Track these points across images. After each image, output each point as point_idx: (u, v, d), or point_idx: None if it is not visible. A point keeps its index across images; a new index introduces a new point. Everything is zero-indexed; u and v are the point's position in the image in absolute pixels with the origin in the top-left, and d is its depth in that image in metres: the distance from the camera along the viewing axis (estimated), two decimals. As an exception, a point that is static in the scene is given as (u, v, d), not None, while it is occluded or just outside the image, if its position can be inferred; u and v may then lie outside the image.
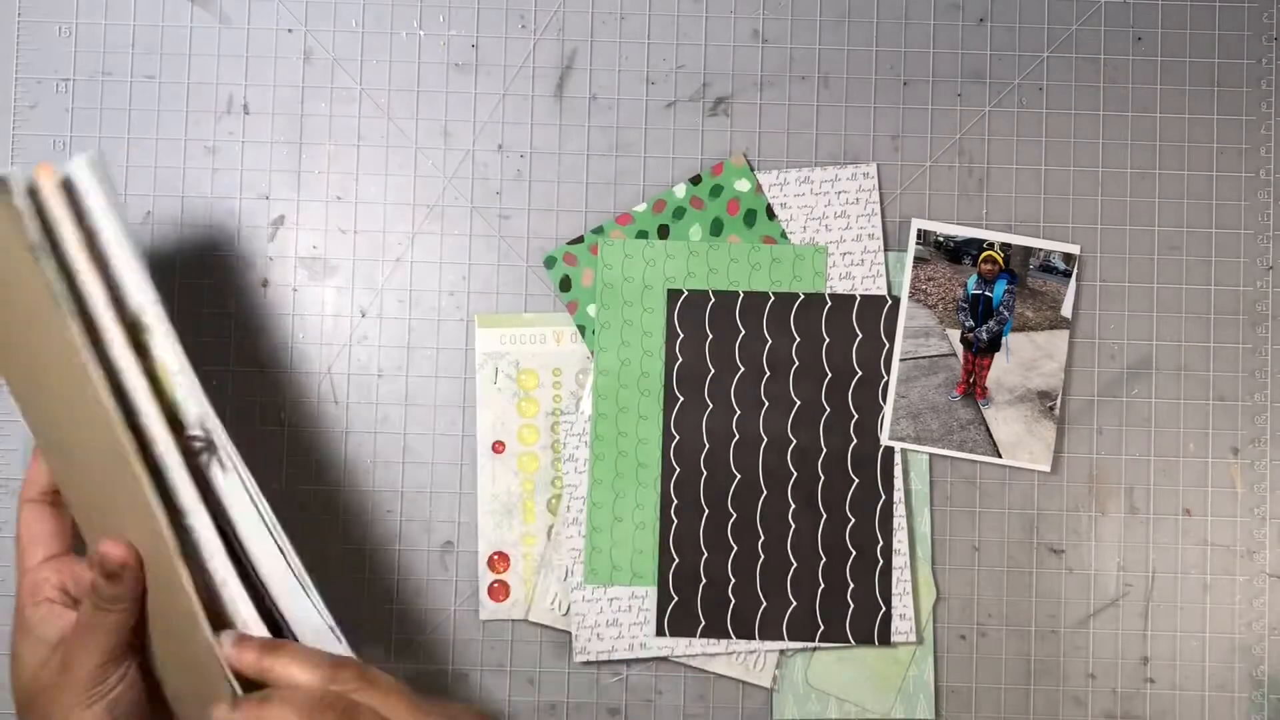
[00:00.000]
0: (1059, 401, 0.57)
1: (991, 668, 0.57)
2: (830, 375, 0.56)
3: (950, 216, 0.58)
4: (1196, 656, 0.57)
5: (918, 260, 0.58)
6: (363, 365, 0.58)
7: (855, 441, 0.56)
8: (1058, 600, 0.58)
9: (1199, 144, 0.59)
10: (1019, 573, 0.58)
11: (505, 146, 0.59)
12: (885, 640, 0.55)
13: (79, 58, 0.59)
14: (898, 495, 0.56)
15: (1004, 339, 0.57)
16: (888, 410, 0.57)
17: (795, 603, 0.55)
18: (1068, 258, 0.58)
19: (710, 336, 0.56)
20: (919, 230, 0.58)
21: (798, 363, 0.56)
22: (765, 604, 0.55)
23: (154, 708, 0.46)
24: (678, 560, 0.55)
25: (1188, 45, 0.59)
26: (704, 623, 0.55)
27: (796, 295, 0.57)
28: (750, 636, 0.55)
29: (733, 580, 0.55)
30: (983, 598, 0.58)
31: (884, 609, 0.55)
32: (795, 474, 0.56)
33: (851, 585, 0.55)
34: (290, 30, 0.59)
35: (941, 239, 0.58)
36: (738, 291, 0.56)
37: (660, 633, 0.55)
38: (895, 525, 0.56)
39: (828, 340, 0.56)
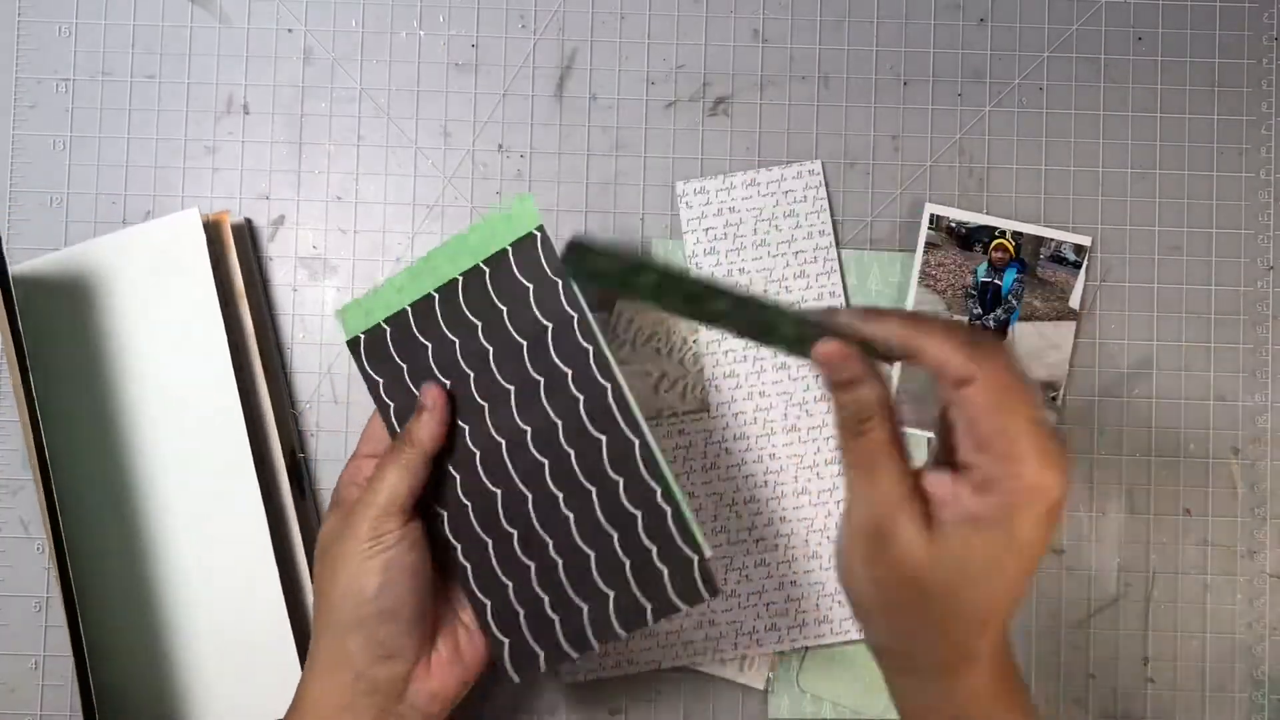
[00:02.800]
0: (1062, 393, 0.57)
1: (991, 668, 0.57)
2: (525, 342, 0.48)
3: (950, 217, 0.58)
4: (1196, 656, 0.57)
5: (928, 246, 0.57)
6: (363, 365, 0.58)
7: (581, 397, 0.47)
8: (1058, 600, 0.58)
9: (1199, 144, 0.59)
10: (1019, 573, 0.58)
11: (505, 146, 0.59)
12: (714, 590, 0.44)
13: (79, 58, 0.59)
14: (647, 434, 0.45)
15: (1011, 327, 0.57)
16: (891, 394, 0.56)
17: (612, 592, 0.46)
18: (1078, 249, 0.58)
19: (405, 366, 0.50)
20: (931, 215, 0.58)
21: (492, 349, 0.49)
22: (586, 606, 0.47)
23: (437, 591, 0.49)
24: (489, 603, 0.49)
25: (1188, 45, 0.59)
26: (542, 653, 0.47)
27: (481, 270, 0.49)
28: (588, 648, 0.47)
29: (545, 598, 0.47)
30: (983, 598, 0.57)
31: (695, 557, 0.44)
32: (544, 461, 0.48)
33: (654, 548, 0.45)
34: (290, 30, 0.59)
35: (953, 225, 0.58)
36: (430, 294, 0.50)
37: (509, 678, 0.48)
38: (660, 462, 0.45)
39: (506, 309, 0.48)
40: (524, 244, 0.48)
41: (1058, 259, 0.58)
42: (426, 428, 0.48)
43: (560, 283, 0.47)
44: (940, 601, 0.39)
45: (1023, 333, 0.57)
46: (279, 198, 0.58)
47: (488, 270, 0.49)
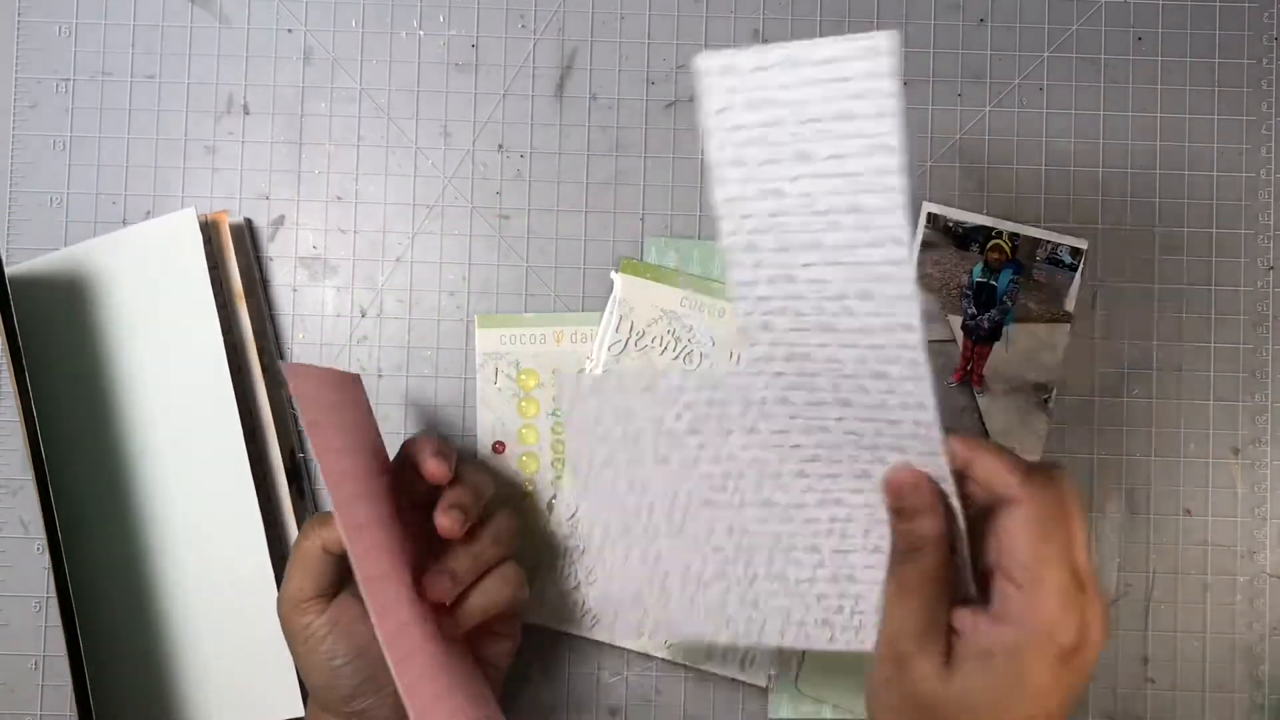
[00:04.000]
0: (1054, 395, 0.57)
1: (991, 668, 0.57)
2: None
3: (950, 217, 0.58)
4: (1197, 657, 0.57)
5: (925, 245, 0.57)
6: (363, 365, 0.58)
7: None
8: (1058, 600, 0.57)
9: (1199, 144, 0.59)
10: (1019, 573, 0.57)
11: (505, 146, 0.59)
12: None
13: (79, 58, 0.59)
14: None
15: (1005, 329, 0.57)
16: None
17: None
18: (1075, 251, 0.58)
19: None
20: (928, 214, 0.58)
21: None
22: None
23: None
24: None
25: (1188, 45, 0.59)
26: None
27: None
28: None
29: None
30: (983, 598, 0.57)
31: None
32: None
33: None
34: (290, 30, 0.59)
35: (950, 224, 0.58)
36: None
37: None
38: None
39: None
40: None
41: (1054, 261, 0.58)
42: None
43: None
44: None
45: (1016, 334, 0.57)
46: (279, 198, 0.58)
47: None
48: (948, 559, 0.41)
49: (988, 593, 0.40)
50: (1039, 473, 0.40)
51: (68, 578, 0.50)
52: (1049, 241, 0.58)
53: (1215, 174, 0.59)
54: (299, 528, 0.55)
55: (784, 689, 0.57)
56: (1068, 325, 0.58)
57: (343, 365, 0.58)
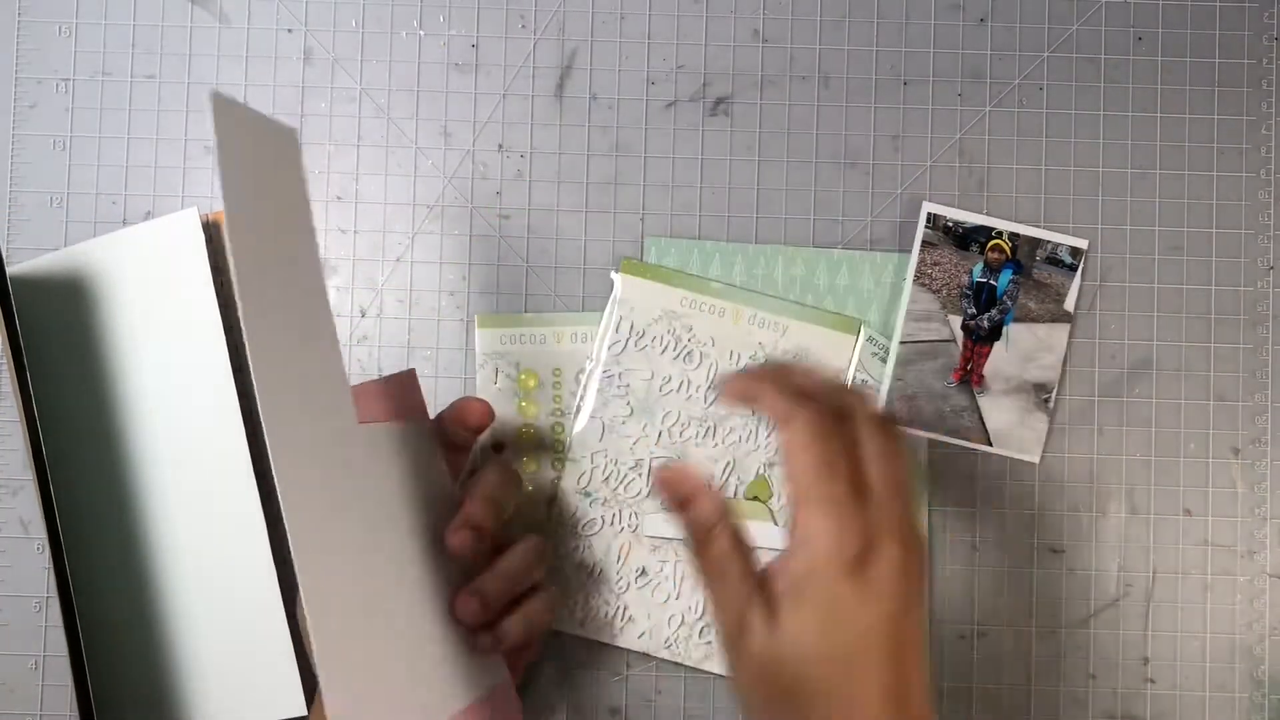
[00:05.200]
0: (1054, 395, 0.57)
1: (991, 668, 0.57)
2: None
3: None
4: (1197, 657, 0.57)
5: (925, 245, 0.57)
6: (363, 365, 0.58)
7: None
8: (1058, 600, 0.57)
9: (1199, 144, 0.59)
10: (1019, 572, 0.58)
11: (505, 146, 0.59)
12: None
13: (79, 58, 0.59)
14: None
15: (1005, 328, 0.57)
16: (883, 392, 0.57)
17: None
18: (1074, 251, 0.58)
19: None
20: (928, 214, 0.58)
21: None
22: None
23: None
24: None
25: (1188, 45, 0.59)
26: None
27: None
28: None
29: None
30: (983, 598, 0.57)
31: None
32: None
33: None
34: (290, 30, 0.59)
35: (950, 224, 0.58)
36: None
37: None
38: None
39: None
40: None
41: (1054, 261, 0.58)
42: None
43: None
44: (798, 693, 0.38)
45: (1017, 334, 0.57)
46: (279, 198, 0.58)
47: None
48: (738, 530, 0.42)
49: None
50: (816, 391, 0.40)
51: (68, 578, 0.50)
52: (1049, 241, 0.58)
53: (1215, 174, 0.59)
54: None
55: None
56: (1068, 325, 0.58)
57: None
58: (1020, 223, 0.58)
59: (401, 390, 0.50)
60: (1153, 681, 0.57)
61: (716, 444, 0.57)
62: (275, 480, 0.37)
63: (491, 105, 0.59)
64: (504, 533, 0.50)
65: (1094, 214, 0.59)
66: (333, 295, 0.58)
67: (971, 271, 0.57)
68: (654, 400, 0.57)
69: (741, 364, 0.57)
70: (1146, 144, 0.59)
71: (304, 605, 0.38)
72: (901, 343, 0.57)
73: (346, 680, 0.39)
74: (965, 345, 0.57)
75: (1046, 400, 0.57)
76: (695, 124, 0.59)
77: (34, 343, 0.54)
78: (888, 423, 0.42)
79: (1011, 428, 0.57)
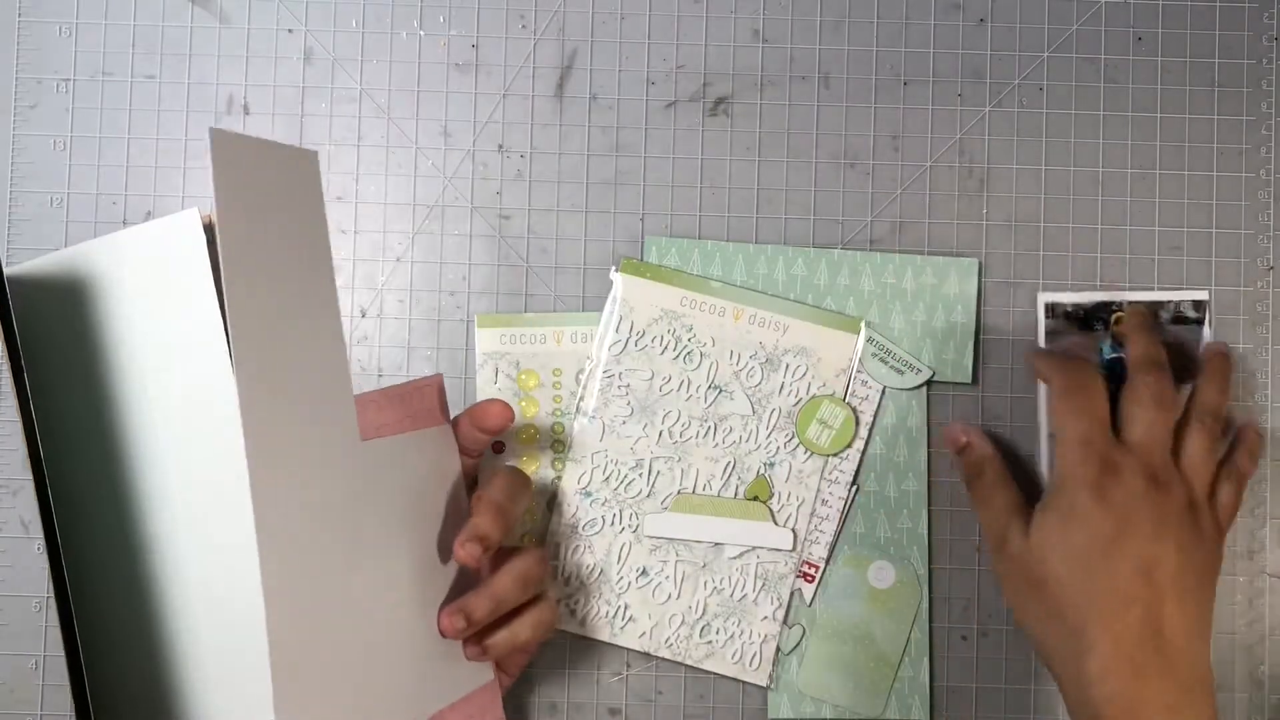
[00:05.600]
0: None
1: (991, 668, 0.57)
2: None
3: (951, 216, 0.58)
4: (1197, 656, 0.57)
5: (1050, 334, 0.57)
6: (363, 365, 0.58)
7: None
8: (1058, 600, 0.57)
9: (1199, 144, 0.59)
10: (1019, 573, 0.58)
11: (505, 146, 0.59)
12: None
13: (79, 58, 0.59)
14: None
15: None
16: (1045, 487, 0.57)
17: None
18: (1197, 305, 0.57)
19: None
20: (1046, 304, 0.57)
21: None
22: None
23: None
24: None
25: (1188, 45, 0.59)
26: None
27: None
28: None
29: None
30: (983, 598, 0.57)
31: None
32: None
33: None
34: (290, 30, 0.59)
35: (1070, 309, 0.57)
36: None
37: None
38: None
39: None
40: None
41: (1180, 319, 0.57)
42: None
43: None
44: (1044, 583, 0.49)
45: None
46: (279, 198, 0.58)
47: None
48: (1004, 468, 0.54)
49: None
50: (1072, 354, 0.53)
51: (68, 578, 0.50)
52: (1170, 301, 0.57)
53: (1215, 174, 0.59)
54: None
55: (783, 690, 0.57)
56: None
57: (343, 365, 0.58)
58: (1017, 224, 0.58)
59: (420, 397, 0.50)
60: (1153, 681, 0.57)
61: (716, 444, 0.57)
62: (250, 486, 0.38)
63: (491, 105, 0.59)
64: (511, 537, 0.51)
65: (1093, 214, 0.59)
66: (333, 295, 0.58)
67: (1101, 350, 0.57)
68: (654, 400, 0.57)
69: (742, 364, 0.57)
70: (1146, 144, 0.59)
71: (264, 604, 0.39)
72: (1049, 435, 0.57)
73: (297, 683, 0.40)
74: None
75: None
76: (695, 124, 0.59)
77: (34, 343, 0.54)
78: (1163, 387, 0.51)
79: None
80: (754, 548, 0.57)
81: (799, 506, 0.57)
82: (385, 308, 0.58)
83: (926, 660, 0.57)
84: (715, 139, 0.59)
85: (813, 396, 0.57)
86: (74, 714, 0.56)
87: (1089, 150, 0.59)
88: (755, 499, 0.57)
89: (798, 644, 0.57)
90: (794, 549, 0.57)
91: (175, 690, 0.54)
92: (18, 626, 0.57)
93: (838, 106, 0.59)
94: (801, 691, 0.57)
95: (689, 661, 0.57)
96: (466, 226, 0.59)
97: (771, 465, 0.57)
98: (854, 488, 0.57)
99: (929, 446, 0.58)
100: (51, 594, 0.56)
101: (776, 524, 0.57)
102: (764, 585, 0.57)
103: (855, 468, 0.57)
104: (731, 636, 0.57)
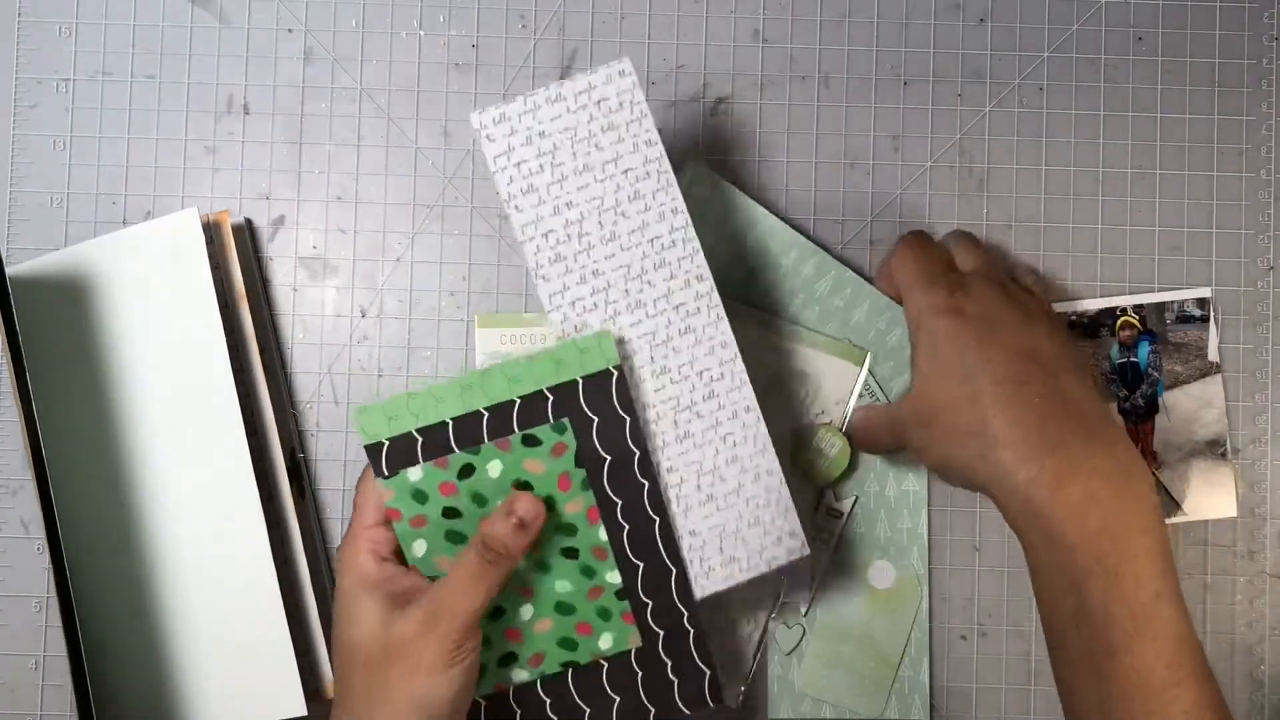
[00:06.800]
0: (1229, 445, 0.57)
1: (991, 668, 0.57)
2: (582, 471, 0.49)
3: (950, 216, 0.58)
4: (1197, 656, 0.57)
5: None
6: (363, 365, 0.58)
7: (627, 527, 0.49)
8: (1058, 600, 0.57)
9: (1199, 144, 0.59)
10: (1019, 573, 0.58)
11: (505, 146, 0.59)
12: (718, 699, 0.49)
13: (79, 58, 0.59)
14: (686, 564, 0.49)
15: (1160, 400, 0.57)
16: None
17: (618, 697, 0.50)
18: (1201, 303, 0.58)
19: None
20: None
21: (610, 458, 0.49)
22: (588, 709, 0.50)
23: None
24: (484, 702, 0.50)
25: (1188, 45, 0.59)
26: None
27: (545, 396, 0.48)
28: None
29: (547, 700, 0.50)
30: (983, 598, 0.57)
31: (709, 671, 0.49)
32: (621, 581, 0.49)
33: (669, 662, 0.49)
34: (290, 30, 0.59)
35: (1074, 317, 0.57)
36: (480, 412, 0.48)
37: None
38: (693, 591, 0.49)
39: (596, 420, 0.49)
40: (597, 379, 0.48)
41: (1185, 318, 0.58)
42: (521, 541, 0.46)
43: (629, 419, 0.49)
44: (936, 411, 0.49)
45: (1174, 401, 0.57)
46: (279, 198, 0.58)
47: (552, 398, 0.48)
48: (876, 418, 0.54)
49: None
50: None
51: (68, 578, 0.50)
52: (1174, 301, 0.58)
53: (1215, 174, 0.59)
54: (299, 528, 0.55)
55: (783, 690, 0.57)
56: (1220, 375, 0.57)
57: (342, 365, 0.58)
58: (1017, 224, 0.58)
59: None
60: (1153, 681, 0.57)
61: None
62: None
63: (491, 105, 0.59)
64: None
65: (1094, 214, 0.59)
66: (333, 295, 0.58)
67: (1109, 355, 0.57)
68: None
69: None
70: (1146, 144, 0.59)
71: None
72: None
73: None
74: (1128, 429, 0.57)
75: (1223, 453, 0.57)
76: (695, 124, 0.59)
77: (34, 343, 0.54)
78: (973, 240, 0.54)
79: (1200, 491, 0.57)
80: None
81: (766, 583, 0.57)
82: (385, 308, 0.58)
83: (926, 660, 0.57)
84: (715, 139, 0.59)
85: (812, 423, 0.57)
86: (74, 714, 0.56)
87: (1089, 150, 0.59)
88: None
89: (798, 644, 0.57)
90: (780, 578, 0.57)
91: (175, 689, 0.54)
92: (18, 626, 0.57)
93: (838, 106, 0.59)
94: (801, 691, 0.57)
95: None
96: (466, 226, 0.59)
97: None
98: (844, 518, 0.57)
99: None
100: (51, 594, 0.56)
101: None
102: (744, 605, 0.57)
103: (852, 502, 0.57)
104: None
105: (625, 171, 0.50)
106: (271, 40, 0.59)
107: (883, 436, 0.53)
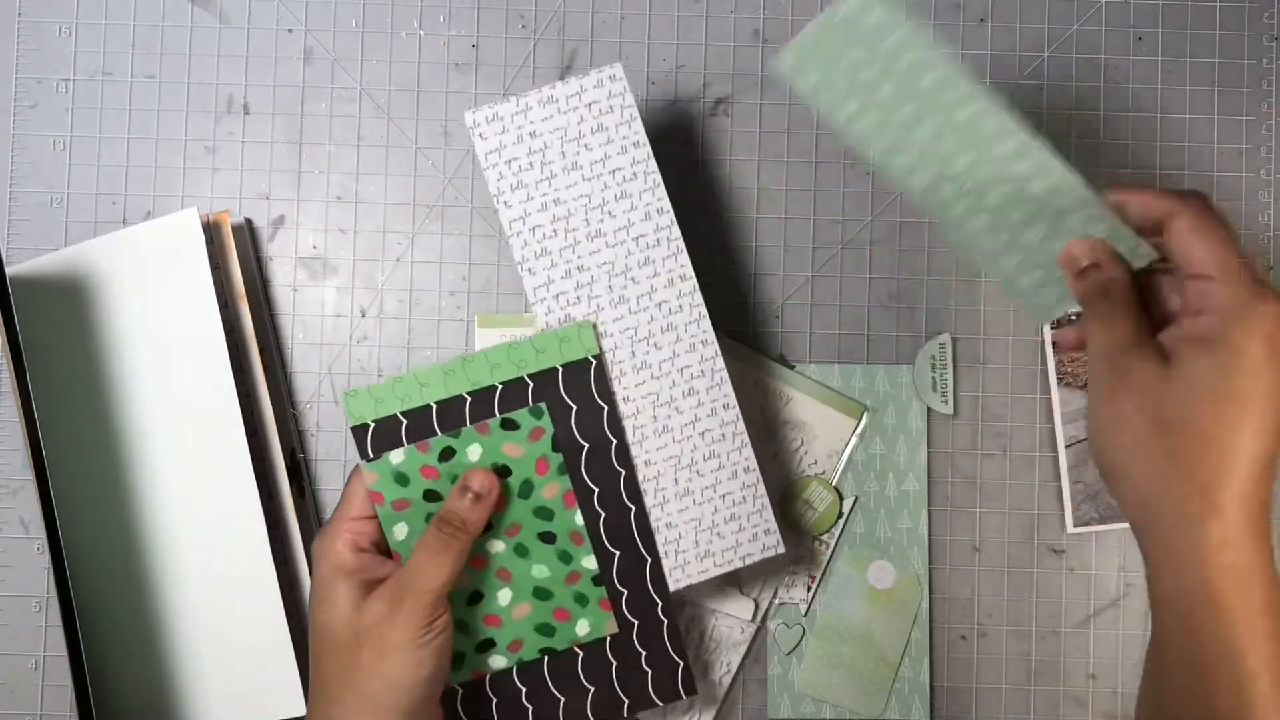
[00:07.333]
0: None
1: (991, 668, 0.57)
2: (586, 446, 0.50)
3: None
4: (1197, 657, 0.57)
5: (1056, 344, 0.57)
6: (363, 365, 0.58)
7: (603, 514, 0.50)
8: (1058, 600, 0.57)
9: (1199, 144, 0.59)
10: (1019, 573, 0.58)
11: (505, 146, 0.59)
12: (691, 691, 0.50)
13: (79, 58, 0.59)
14: (660, 554, 0.50)
15: None
16: (1066, 499, 0.57)
17: (592, 688, 0.50)
18: None
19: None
20: (1054, 322, 0.58)
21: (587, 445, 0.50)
22: (563, 699, 0.50)
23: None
24: (460, 690, 0.50)
25: (1188, 45, 0.59)
26: None
27: (525, 383, 0.50)
28: None
29: (523, 689, 0.50)
30: (983, 598, 0.57)
31: (681, 663, 0.50)
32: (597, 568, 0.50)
33: (644, 652, 0.50)
34: (290, 30, 0.59)
35: (1073, 318, 0.57)
36: (463, 396, 0.49)
37: None
38: (667, 580, 0.50)
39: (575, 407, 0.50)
40: (576, 367, 0.50)
41: None
42: (479, 514, 0.48)
43: (607, 408, 0.50)
44: (1181, 427, 0.41)
45: None
46: (279, 198, 0.58)
47: (532, 384, 0.50)
48: (1135, 290, 0.45)
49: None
50: (1185, 191, 0.44)
51: (68, 578, 0.50)
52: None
53: (1215, 174, 0.59)
54: (299, 528, 0.55)
55: (783, 690, 0.57)
56: None
57: (342, 365, 0.58)
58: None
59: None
60: (1153, 681, 0.57)
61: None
62: None
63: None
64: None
65: (1094, 214, 0.59)
66: (333, 295, 0.58)
67: None
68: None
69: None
70: (1146, 144, 0.59)
71: None
72: (1067, 446, 0.57)
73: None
74: None
75: None
76: (695, 124, 0.59)
77: (34, 343, 0.54)
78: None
79: None
80: (713, 609, 0.57)
81: (766, 579, 0.57)
82: (385, 308, 0.58)
83: (926, 660, 0.57)
84: (715, 139, 0.59)
85: (803, 474, 0.57)
86: (74, 714, 0.56)
87: (1089, 150, 0.59)
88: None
89: (798, 644, 0.57)
90: (753, 619, 0.57)
91: (175, 689, 0.54)
92: (18, 626, 0.57)
93: (838, 106, 0.59)
94: (801, 691, 0.57)
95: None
96: (466, 226, 0.59)
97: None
98: (825, 570, 0.57)
99: (929, 447, 0.58)
100: (51, 594, 0.56)
101: (741, 592, 0.57)
102: (717, 647, 0.57)
103: (830, 551, 0.57)
104: None
105: (613, 171, 0.51)
106: (271, 40, 0.59)
107: (1115, 324, 0.44)
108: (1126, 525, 0.57)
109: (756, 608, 0.57)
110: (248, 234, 0.58)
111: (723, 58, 0.59)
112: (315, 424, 0.58)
